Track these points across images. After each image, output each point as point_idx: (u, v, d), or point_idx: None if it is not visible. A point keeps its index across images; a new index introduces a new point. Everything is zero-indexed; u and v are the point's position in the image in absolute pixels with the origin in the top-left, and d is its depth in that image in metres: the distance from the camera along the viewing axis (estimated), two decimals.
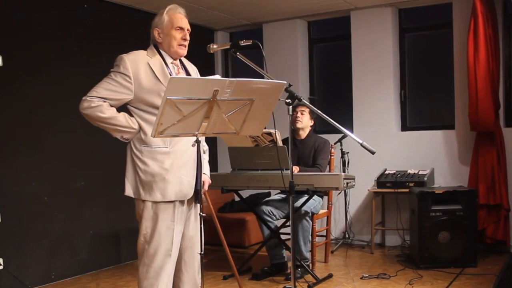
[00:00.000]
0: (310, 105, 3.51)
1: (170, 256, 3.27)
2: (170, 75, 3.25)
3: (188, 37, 3.33)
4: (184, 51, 3.34)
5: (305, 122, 5.67)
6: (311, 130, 5.78)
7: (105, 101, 3.17)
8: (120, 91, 3.19)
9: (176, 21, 3.29)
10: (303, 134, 5.73)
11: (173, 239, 3.27)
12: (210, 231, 4.59)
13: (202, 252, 3.17)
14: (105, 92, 3.18)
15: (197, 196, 3.32)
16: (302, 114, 5.63)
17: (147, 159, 3.22)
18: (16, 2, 5.29)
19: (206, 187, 3.48)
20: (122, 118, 3.20)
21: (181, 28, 3.30)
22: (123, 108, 3.28)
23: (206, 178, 3.50)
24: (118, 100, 3.22)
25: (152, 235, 3.24)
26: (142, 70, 3.22)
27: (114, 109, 3.21)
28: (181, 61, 3.44)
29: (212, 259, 5.98)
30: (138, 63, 3.22)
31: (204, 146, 3.53)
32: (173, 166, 3.22)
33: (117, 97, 3.20)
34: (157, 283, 3.26)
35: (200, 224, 3.18)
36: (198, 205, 3.33)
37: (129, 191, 3.28)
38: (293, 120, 5.61)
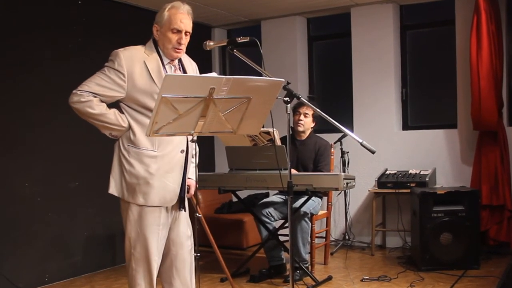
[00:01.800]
0: (309, 103, 3.48)
1: (156, 260, 3.22)
2: None
3: (184, 41, 3.19)
4: (179, 54, 3.23)
5: (307, 125, 5.60)
6: (312, 131, 5.71)
7: (95, 96, 3.09)
8: (112, 88, 3.11)
9: (174, 22, 3.15)
10: (304, 135, 5.67)
11: (158, 243, 3.22)
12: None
13: (199, 254, 3.14)
14: (97, 88, 3.09)
15: (182, 203, 3.26)
16: (305, 117, 5.56)
17: (133, 160, 3.14)
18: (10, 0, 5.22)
19: (192, 191, 3.40)
20: (112, 115, 3.12)
21: (178, 31, 3.16)
22: (115, 104, 3.19)
23: (192, 182, 3.41)
24: (109, 97, 3.13)
25: (137, 239, 3.19)
26: (138, 69, 3.12)
27: (104, 105, 3.13)
28: (180, 60, 3.34)
29: (209, 261, 5.91)
30: (133, 61, 3.13)
31: (194, 149, 3.44)
32: (159, 171, 3.15)
33: (109, 94, 3.12)
34: (148, 286, 3.23)
35: (196, 225, 3.16)
36: (186, 211, 3.31)
37: (113, 189, 3.21)
38: (295, 122, 5.54)
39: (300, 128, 5.59)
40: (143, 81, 3.11)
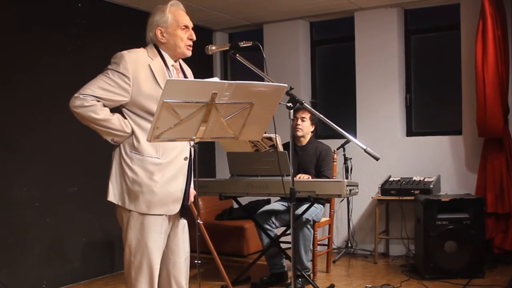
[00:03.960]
0: (312, 109, 3.45)
1: (157, 269, 3.16)
2: None
3: (194, 37, 3.19)
4: (190, 52, 3.21)
5: (305, 130, 5.58)
6: (312, 135, 5.67)
7: (99, 101, 3.00)
8: (117, 92, 3.02)
9: (182, 20, 3.15)
10: (304, 140, 5.65)
11: (160, 251, 3.16)
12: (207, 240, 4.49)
13: (200, 261, 3.09)
14: (100, 92, 2.99)
15: (184, 211, 3.20)
16: (303, 121, 5.53)
17: (137, 167, 3.06)
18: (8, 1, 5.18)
19: (192, 198, 3.34)
20: (116, 121, 3.03)
21: (187, 27, 3.16)
22: (116, 109, 3.12)
23: (191, 190, 3.34)
24: (113, 101, 3.04)
25: (137, 247, 3.11)
26: (143, 72, 3.05)
27: (108, 110, 3.04)
28: (179, 64, 3.31)
29: (210, 269, 5.85)
30: (138, 64, 3.05)
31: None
32: (163, 179, 3.08)
33: (113, 98, 3.02)
34: None
35: (197, 232, 3.12)
36: (185, 220, 3.26)
37: (112, 197, 3.12)
38: (293, 127, 5.47)
39: (299, 133, 5.56)
40: (149, 86, 3.04)
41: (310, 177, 5.36)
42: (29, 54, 5.31)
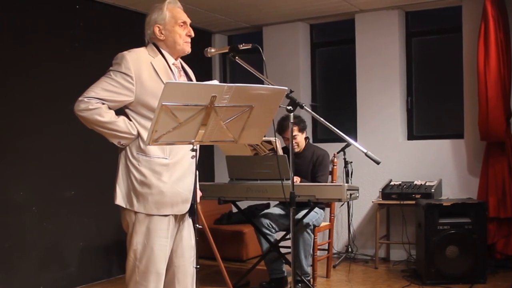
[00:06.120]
0: (312, 112, 3.45)
1: (163, 274, 3.12)
2: (174, 78, 3.10)
3: (192, 33, 3.19)
4: (189, 47, 3.20)
5: (301, 143, 5.53)
6: (307, 141, 5.65)
7: (103, 103, 2.98)
8: (121, 93, 3.00)
9: (180, 16, 3.15)
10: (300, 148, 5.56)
11: (166, 256, 3.12)
12: (206, 244, 4.43)
13: (198, 266, 3.04)
14: (104, 93, 2.98)
15: (192, 211, 3.15)
16: (295, 138, 5.40)
17: (144, 169, 3.03)
18: (4, 1, 5.13)
19: (198, 199, 3.28)
20: (122, 123, 3.01)
21: (185, 23, 3.16)
22: (120, 112, 3.08)
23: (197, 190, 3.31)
24: (117, 102, 3.02)
25: (143, 251, 3.06)
26: (145, 70, 3.03)
27: (113, 113, 3.02)
28: (180, 62, 3.29)
29: (208, 273, 5.82)
30: (140, 62, 3.04)
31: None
32: (171, 179, 3.05)
33: (117, 99, 3.00)
34: None
35: (195, 237, 3.06)
36: (190, 220, 3.20)
37: (120, 200, 3.08)
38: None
39: (296, 150, 5.49)
40: (152, 83, 3.02)
41: (299, 179, 5.31)
42: (27, 57, 5.28)
